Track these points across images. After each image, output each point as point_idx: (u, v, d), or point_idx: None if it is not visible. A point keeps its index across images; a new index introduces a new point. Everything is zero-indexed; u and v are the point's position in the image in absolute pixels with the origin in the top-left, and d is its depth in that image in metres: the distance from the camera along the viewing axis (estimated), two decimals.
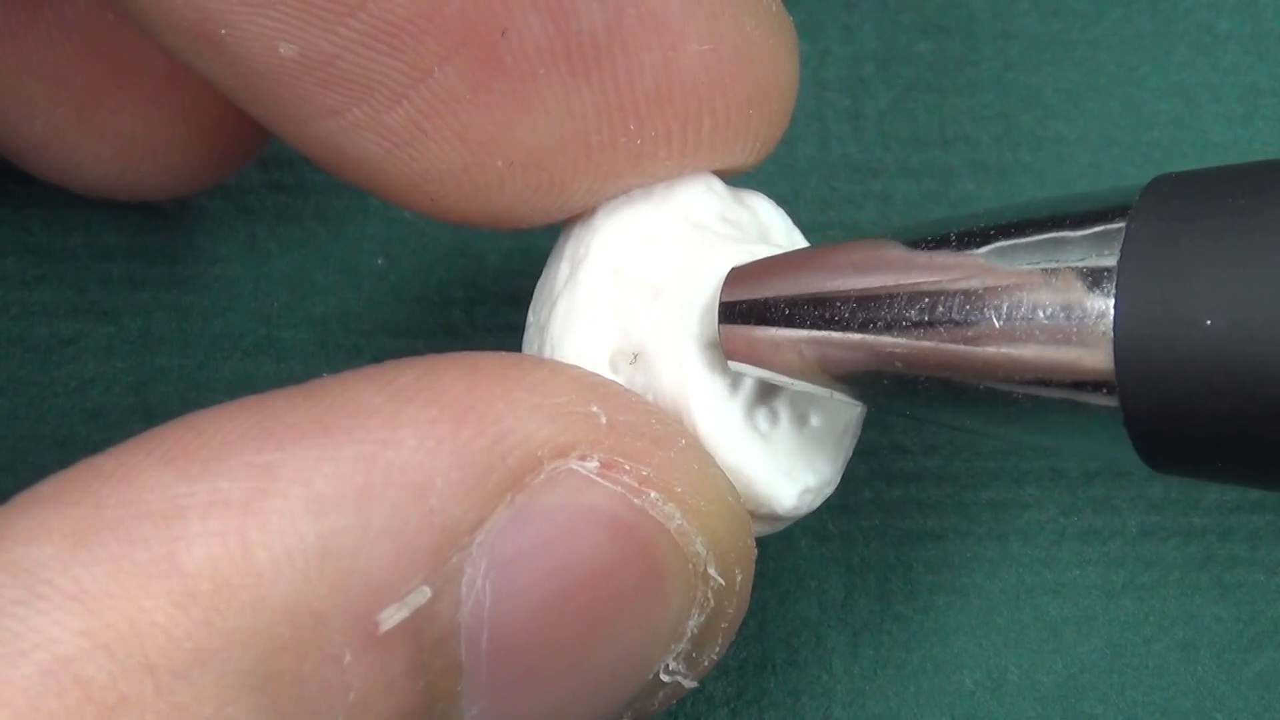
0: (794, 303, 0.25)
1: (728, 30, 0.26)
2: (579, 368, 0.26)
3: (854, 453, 0.29)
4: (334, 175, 0.27)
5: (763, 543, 0.28)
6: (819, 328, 0.25)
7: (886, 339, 0.25)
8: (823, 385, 0.26)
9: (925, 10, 0.35)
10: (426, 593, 0.23)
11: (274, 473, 0.22)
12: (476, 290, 0.33)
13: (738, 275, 0.26)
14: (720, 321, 0.26)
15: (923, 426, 0.32)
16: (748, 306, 0.26)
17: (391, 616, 0.22)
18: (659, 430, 0.25)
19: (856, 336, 0.25)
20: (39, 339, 0.32)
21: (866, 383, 0.25)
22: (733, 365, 0.26)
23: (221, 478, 0.22)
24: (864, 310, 0.25)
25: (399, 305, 0.33)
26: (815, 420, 0.27)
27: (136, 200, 0.32)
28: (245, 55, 0.25)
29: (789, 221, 0.28)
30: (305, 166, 0.33)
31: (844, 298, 0.25)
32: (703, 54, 0.26)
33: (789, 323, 0.25)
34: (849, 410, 0.28)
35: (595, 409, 0.24)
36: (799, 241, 0.28)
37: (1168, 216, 0.23)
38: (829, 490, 0.27)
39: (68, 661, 0.21)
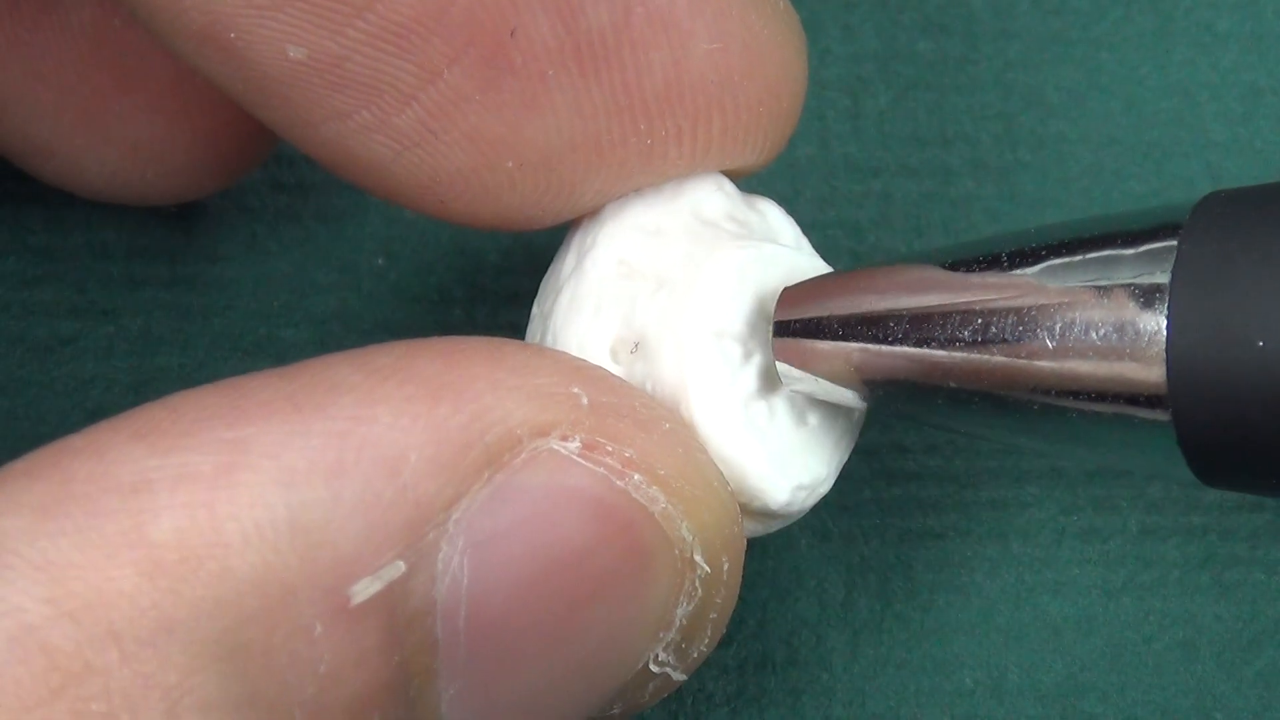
0: (847, 322, 0.26)
1: (736, 29, 0.26)
2: (561, 351, 0.26)
3: (854, 452, 0.29)
4: (343, 178, 0.27)
5: (763, 542, 0.28)
6: (873, 343, 0.25)
7: (941, 354, 0.25)
8: (873, 399, 0.26)
9: (925, 9, 0.35)
10: (401, 567, 0.23)
11: (245, 447, 0.22)
12: (476, 290, 0.33)
13: (789, 296, 0.26)
14: (774, 336, 0.26)
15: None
16: (800, 325, 0.26)
17: (364, 589, 0.22)
18: (643, 413, 0.25)
19: (911, 350, 0.25)
20: (39, 339, 0.32)
21: (922, 399, 0.25)
22: (783, 372, 0.26)
23: (192, 452, 0.22)
24: (917, 330, 0.25)
25: (399, 305, 0.33)
26: (813, 419, 0.27)
27: (142, 205, 0.32)
28: (253, 58, 0.25)
29: (798, 229, 0.28)
30: (306, 166, 0.33)
31: (897, 317, 0.25)
32: (711, 53, 0.26)
33: (842, 338, 0.26)
34: (848, 412, 0.28)
35: (576, 390, 0.24)
36: (806, 249, 0.28)
37: (1220, 235, 0.23)
38: (823, 490, 0.27)
39: (32, 629, 0.21)
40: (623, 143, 0.26)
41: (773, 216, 0.28)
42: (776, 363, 0.26)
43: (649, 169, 0.27)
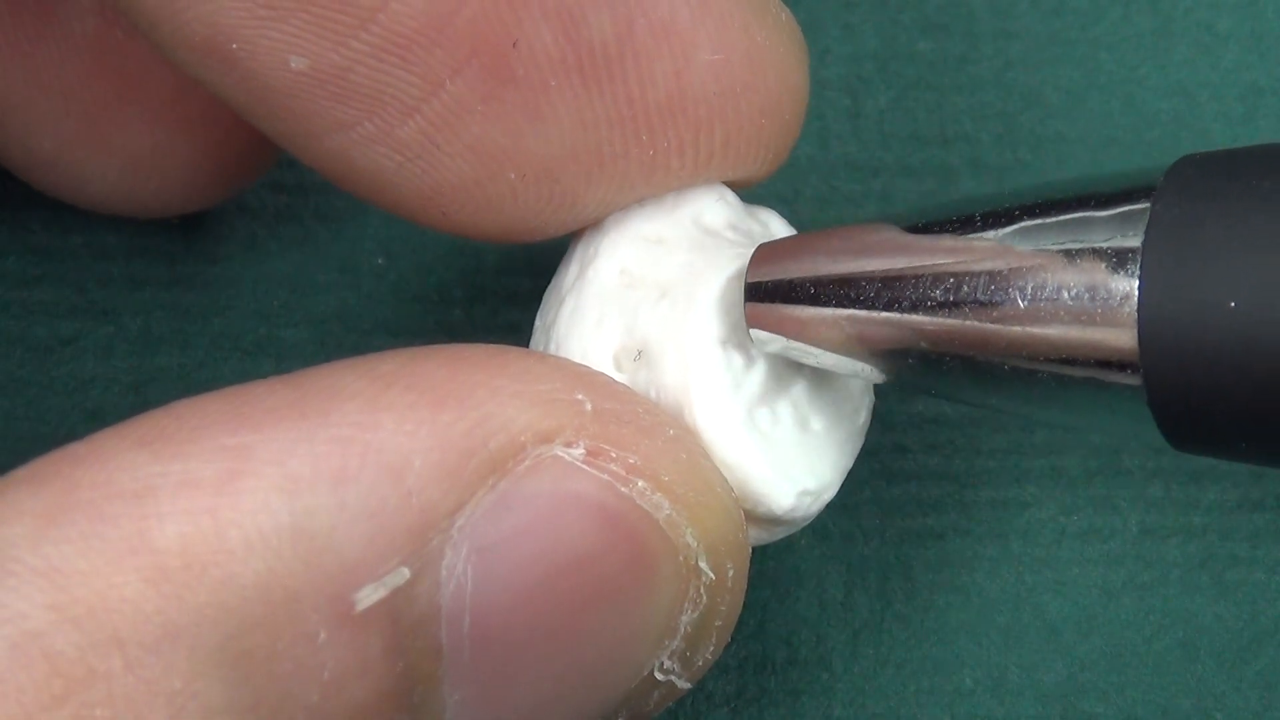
0: (820, 283, 0.26)
1: (738, 40, 0.26)
2: (563, 358, 0.26)
3: None
4: (345, 190, 0.27)
5: (763, 543, 0.28)
6: (845, 306, 0.25)
7: (912, 317, 0.25)
8: (847, 359, 0.26)
9: (925, 9, 0.35)
10: (405, 574, 0.23)
11: (248, 454, 0.22)
12: (476, 290, 0.33)
13: (763, 255, 0.26)
14: (746, 300, 0.26)
15: (926, 424, 0.32)
16: (773, 286, 0.26)
17: (368, 596, 0.22)
18: (646, 419, 0.25)
19: (882, 314, 0.25)
20: (39, 339, 0.32)
21: (892, 360, 0.25)
22: (756, 335, 0.26)
23: (195, 459, 0.22)
24: (890, 290, 0.25)
25: (399, 305, 0.33)
26: (817, 424, 0.27)
27: (143, 217, 0.32)
28: (256, 69, 0.25)
29: None
30: (305, 167, 0.33)
31: (869, 278, 0.25)
32: (713, 64, 0.26)
33: (815, 301, 0.26)
34: (852, 417, 0.28)
35: (580, 396, 0.24)
36: None
37: (1192, 197, 0.23)
38: (828, 496, 0.27)
39: (36, 635, 0.21)
40: (625, 154, 0.26)
41: (775, 226, 0.28)
42: (749, 330, 0.26)
43: (651, 180, 0.27)
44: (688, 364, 0.26)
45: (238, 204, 0.33)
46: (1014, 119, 0.34)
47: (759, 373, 0.27)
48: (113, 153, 0.30)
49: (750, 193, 0.29)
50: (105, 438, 0.23)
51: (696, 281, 0.26)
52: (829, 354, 0.26)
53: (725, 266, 0.26)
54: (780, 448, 0.27)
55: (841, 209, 0.34)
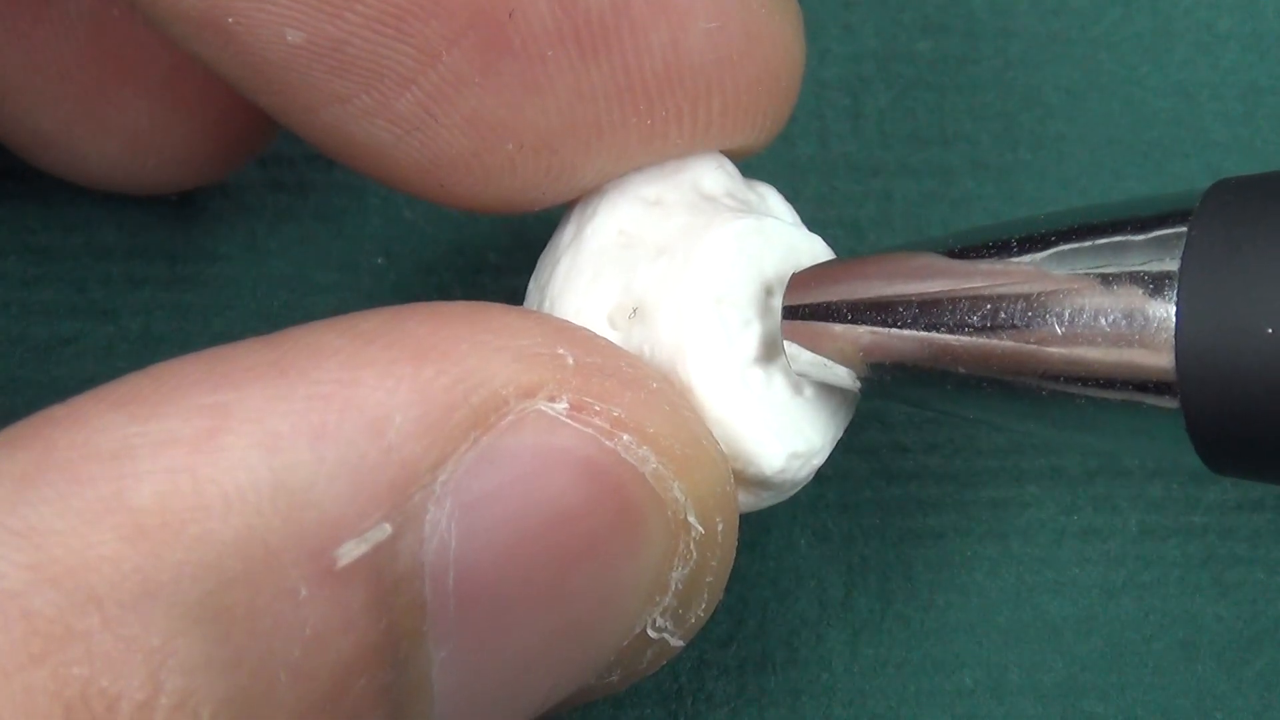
0: (857, 307, 0.26)
1: (734, 8, 0.26)
2: (545, 314, 0.26)
3: (854, 451, 0.29)
4: (344, 165, 0.27)
5: (763, 542, 0.28)
6: (883, 327, 0.25)
7: (949, 339, 0.25)
8: (880, 382, 0.26)
9: (925, 9, 0.35)
10: (387, 529, 0.22)
11: (227, 412, 0.22)
12: (476, 290, 0.33)
13: (799, 280, 0.26)
14: (783, 318, 0.26)
15: (925, 425, 0.32)
16: (810, 309, 0.26)
17: (349, 552, 0.22)
18: (629, 372, 0.25)
19: (920, 334, 0.25)
20: (39, 339, 0.32)
21: (928, 384, 0.25)
22: (790, 349, 0.26)
23: (173, 418, 0.22)
24: (926, 315, 0.25)
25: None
26: (810, 391, 0.27)
27: (142, 194, 0.32)
28: (252, 43, 0.25)
29: (796, 216, 0.28)
30: (305, 165, 0.33)
31: (906, 302, 0.25)
32: (710, 33, 0.26)
33: (852, 322, 0.26)
34: (845, 390, 0.27)
35: (562, 351, 0.24)
36: (804, 230, 0.28)
37: (1229, 221, 0.23)
38: (817, 461, 0.27)
39: (13, 595, 0.21)
40: (623, 124, 0.26)
41: (772, 199, 0.28)
42: (784, 343, 0.26)
43: (649, 149, 0.27)
44: (683, 321, 0.26)
45: (237, 204, 0.33)
46: (1014, 119, 0.34)
47: (754, 334, 0.27)
48: (111, 131, 0.30)
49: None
50: (84, 400, 0.23)
51: (694, 240, 0.26)
52: (862, 375, 0.26)
53: (724, 227, 0.26)
54: (772, 409, 0.26)
55: (841, 208, 0.34)
